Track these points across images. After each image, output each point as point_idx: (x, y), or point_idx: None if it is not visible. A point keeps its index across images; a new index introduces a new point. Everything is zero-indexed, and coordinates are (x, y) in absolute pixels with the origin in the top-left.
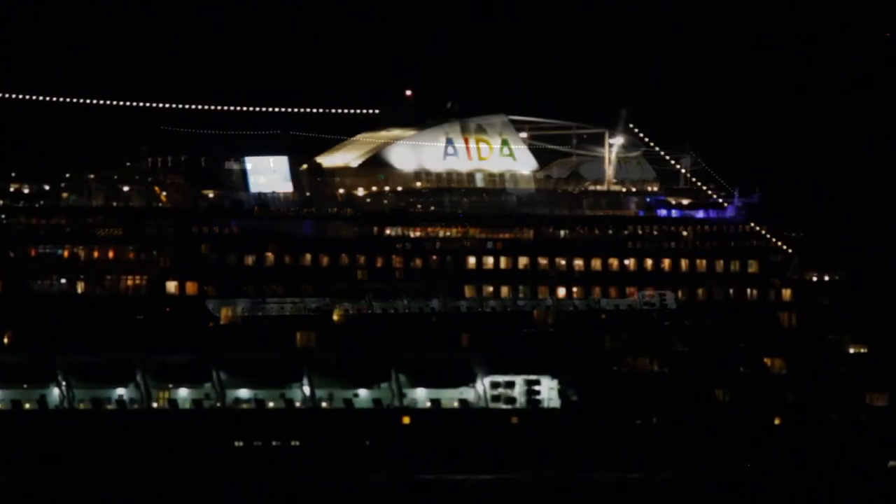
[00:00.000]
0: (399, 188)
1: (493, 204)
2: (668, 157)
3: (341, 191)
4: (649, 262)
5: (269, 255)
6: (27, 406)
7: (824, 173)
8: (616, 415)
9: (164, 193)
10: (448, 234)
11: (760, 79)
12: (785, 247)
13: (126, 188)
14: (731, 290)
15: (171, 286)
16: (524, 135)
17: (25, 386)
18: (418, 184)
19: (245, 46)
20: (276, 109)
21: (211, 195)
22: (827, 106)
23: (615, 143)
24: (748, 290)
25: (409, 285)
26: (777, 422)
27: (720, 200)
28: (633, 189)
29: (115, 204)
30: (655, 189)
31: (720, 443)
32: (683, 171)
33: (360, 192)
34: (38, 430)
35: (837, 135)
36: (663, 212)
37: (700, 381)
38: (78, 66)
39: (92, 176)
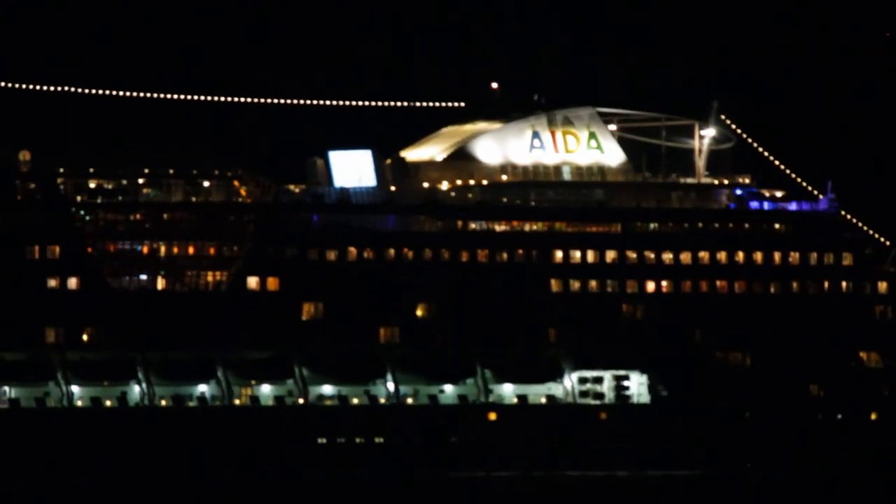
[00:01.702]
0: (484, 182)
1: (581, 197)
2: (760, 149)
3: (425, 185)
4: (741, 255)
5: (351, 249)
6: (108, 403)
7: None
8: (707, 410)
9: (244, 188)
10: (534, 227)
11: (852, 68)
12: (881, 239)
13: (206, 183)
14: (826, 284)
15: (252, 282)
16: (612, 127)
17: (106, 383)
18: (504, 177)
19: (331, 39)
20: (362, 103)
21: (295, 190)
22: None
23: (706, 135)
24: (843, 284)
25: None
26: (873, 417)
27: (814, 192)
28: (725, 181)
29: (194, 199)
30: (747, 181)
31: (814, 439)
32: (777, 163)
33: (445, 185)
34: (118, 427)
35: None
36: (755, 204)
37: (794, 375)
38: (156, 60)
39: (171, 171)
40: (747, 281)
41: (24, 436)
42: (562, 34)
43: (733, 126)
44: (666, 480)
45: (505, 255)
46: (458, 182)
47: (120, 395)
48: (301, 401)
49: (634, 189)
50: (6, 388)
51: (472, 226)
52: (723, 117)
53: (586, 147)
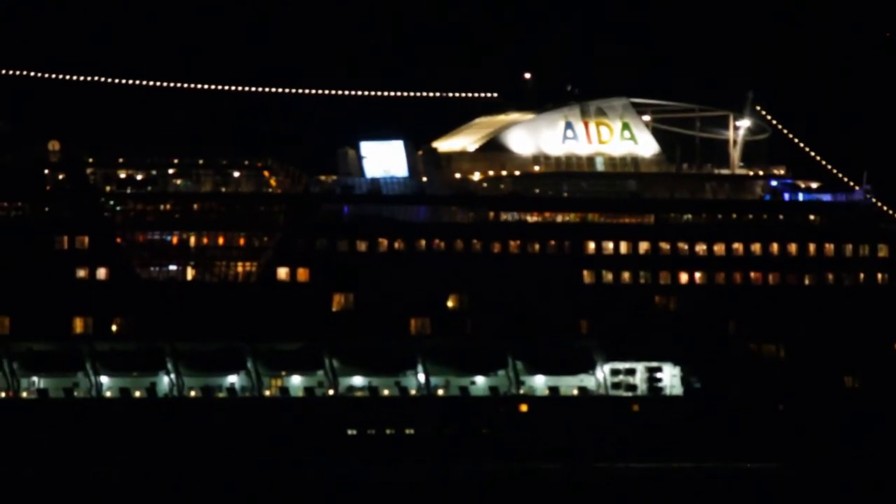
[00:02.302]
0: (517, 172)
1: (614, 188)
2: (795, 140)
3: (457, 175)
4: (775, 246)
5: (382, 240)
6: (136, 394)
7: None
8: (740, 402)
9: (274, 178)
10: (566, 218)
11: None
12: None
13: (235, 173)
14: (861, 275)
15: (283, 272)
16: (646, 118)
17: (135, 374)
18: (536, 168)
19: (366, 29)
20: (394, 94)
21: (328, 180)
22: None
23: (741, 126)
24: (878, 275)
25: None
26: None
27: (850, 183)
28: (759, 173)
29: (224, 189)
30: (782, 172)
31: (848, 430)
32: (813, 154)
33: (477, 176)
34: (147, 418)
35: None
36: (790, 195)
37: (828, 367)
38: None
39: (201, 161)
40: (781, 272)
41: (52, 426)
42: (596, 24)
43: (768, 117)
44: (699, 472)
45: (537, 247)
46: (490, 173)
47: (149, 386)
48: (331, 392)
49: (668, 180)
50: (35, 379)
51: (504, 217)
52: (758, 108)
53: (619, 138)
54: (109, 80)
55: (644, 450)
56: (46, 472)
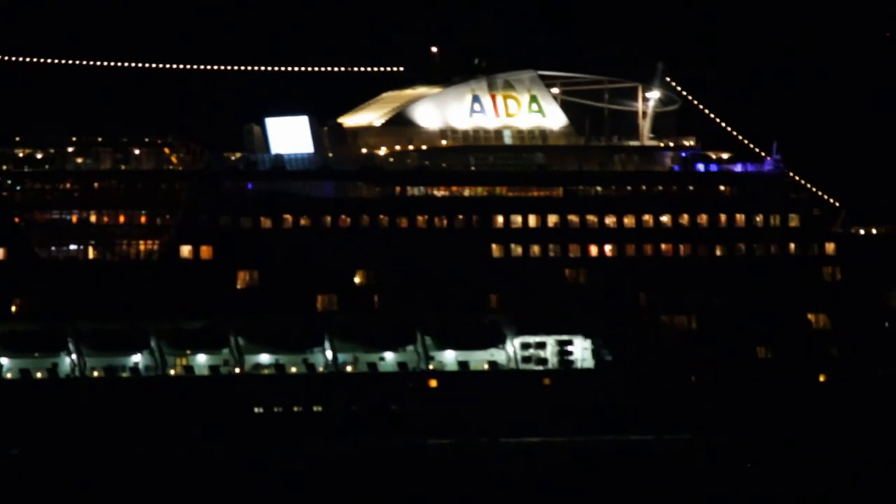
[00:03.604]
0: (423, 147)
1: (522, 161)
2: (706, 111)
3: (364, 151)
4: (686, 217)
5: (287, 217)
6: (38, 375)
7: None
8: (652, 374)
9: (175, 155)
10: (474, 192)
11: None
12: (830, 200)
13: (136, 150)
14: (773, 246)
15: (186, 250)
16: (555, 90)
17: (36, 355)
18: (443, 142)
19: (273, 3)
20: (300, 69)
21: (234, 157)
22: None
23: (651, 98)
24: (790, 245)
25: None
26: (822, 379)
27: (760, 153)
28: (669, 144)
29: (124, 167)
30: (692, 144)
31: (762, 402)
32: (723, 124)
33: (383, 151)
34: (49, 399)
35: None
36: (700, 166)
37: (741, 338)
38: (87, 24)
39: (100, 139)
40: (692, 244)
41: None
42: None
43: (678, 88)
44: (610, 446)
45: (445, 221)
46: (397, 147)
47: (50, 367)
48: (237, 370)
49: (576, 152)
50: None
51: (411, 191)
52: (667, 79)
53: (527, 111)
54: (4, 56)
55: (556, 424)
56: None
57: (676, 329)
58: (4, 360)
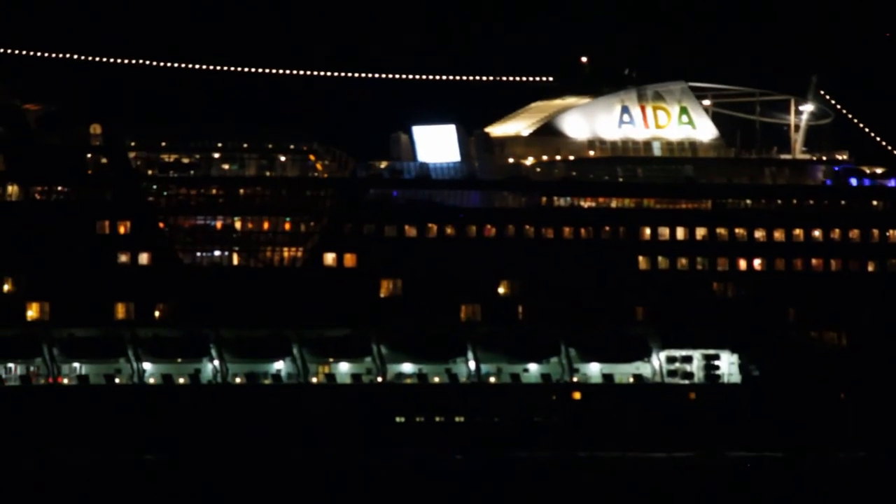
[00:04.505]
0: (571, 157)
1: (670, 173)
2: (860, 125)
3: (510, 160)
4: (837, 232)
5: (431, 226)
6: (180, 381)
7: None
8: (801, 390)
9: (320, 163)
10: (622, 204)
11: None
12: None
13: (281, 157)
14: None
15: (329, 258)
16: (706, 102)
17: (178, 360)
18: (591, 153)
19: (421, 12)
20: (449, 78)
21: (380, 166)
22: None
23: (804, 111)
24: None
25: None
26: None
27: None
28: (822, 158)
29: (269, 174)
30: (845, 157)
31: None
32: (877, 138)
33: (530, 161)
34: (192, 404)
35: None
36: (853, 181)
37: (891, 355)
38: (236, 33)
39: (246, 145)
40: (843, 259)
41: (93, 412)
42: (654, 7)
43: (832, 101)
44: (757, 461)
45: (591, 232)
46: (544, 157)
47: (192, 373)
48: (379, 379)
49: (726, 165)
50: (76, 365)
51: (558, 202)
52: (821, 92)
53: (677, 122)
54: (152, 62)
55: (701, 438)
56: (88, 459)
57: (826, 345)
58: (147, 366)
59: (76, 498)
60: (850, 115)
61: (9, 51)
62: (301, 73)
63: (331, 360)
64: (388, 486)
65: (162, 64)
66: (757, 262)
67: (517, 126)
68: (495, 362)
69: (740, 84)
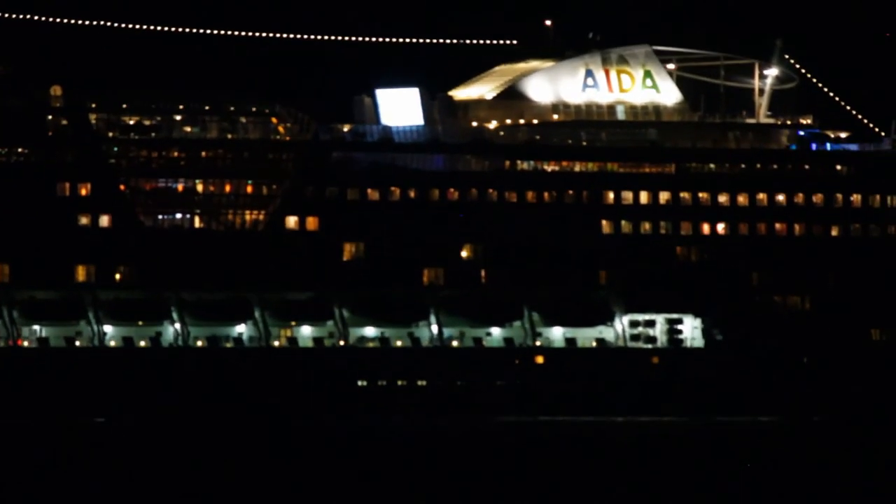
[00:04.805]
0: (535, 121)
1: (634, 137)
2: (825, 89)
3: (474, 124)
4: (800, 196)
5: (394, 189)
6: (141, 344)
7: None
8: (764, 355)
9: (282, 125)
10: (585, 168)
11: None
12: None
13: (243, 120)
14: (890, 227)
15: (291, 221)
16: (671, 66)
17: (139, 323)
18: (555, 116)
19: None
20: (413, 41)
21: (344, 129)
22: None
23: (769, 75)
24: None
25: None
26: None
27: (878, 132)
28: (786, 122)
29: (230, 136)
30: (809, 122)
31: (875, 385)
32: (842, 103)
33: (494, 124)
34: (151, 368)
35: None
36: (817, 145)
37: (854, 320)
38: None
39: (207, 107)
40: (807, 223)
41: (53, 376)
42: None
43: (797, 65)
44: (719, 426)
45: (555, 196)
46: (508, 121)
47: (153, 336)
48: (342, 343)
49: (690, 129)
50: (36, 327)
51: (521, 166)
52: (786, 56)
53: (641, 86)
54: (113, 23)
55: (664, 403)
56: (47, 423)
57: (789, 309)
58: (108, 328)
59: (35, 462)
60: (814, 80)
61: None
62: (263, 35)
63: (293, 323)
64: (349, 452)
65: (122, 25)
66: (720, 227)
67: (481, 90)
68: (458, 326)
69: (704, 48)
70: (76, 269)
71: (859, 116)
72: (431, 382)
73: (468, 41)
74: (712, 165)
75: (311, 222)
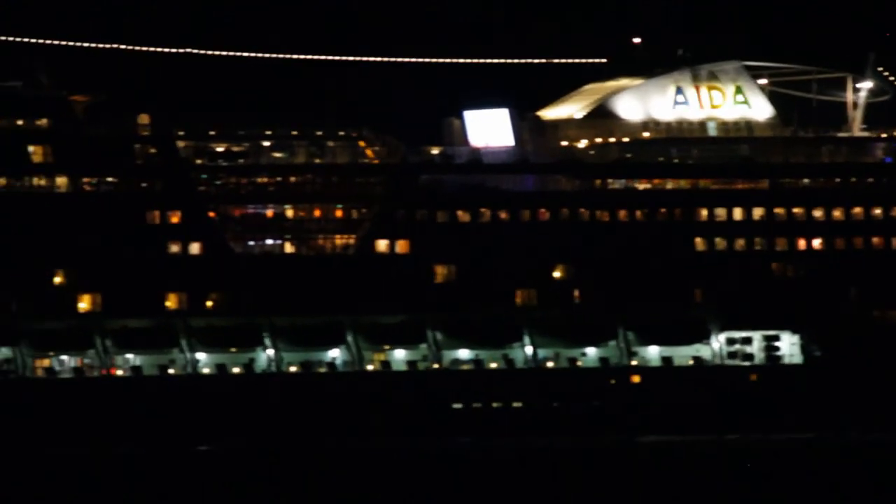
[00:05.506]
0: (625, 139)
1: (726, 153)
2: None
3: (564, 143)
4: None
5: (484, 210)
6: (234, 370)
7: None
8: (863, 371)
9: (370, 149)
10: (677, 185)
11: None
12: None
13: (331, 144)
14: None
15: (382, 244)
16: (762, 81)
17: (232, 350)
18: (646, 134)
19: None
20: (501, 61)
21: (433, 151)
22: None
23: (862, 88)
24: None
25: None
26: None
27: None
28: (880, 135)
29: (318, 161)
30: None
31: None
32: None
33: (584, 143)
34: (246, 394)
35: None
36: None
37: None
38: (284, 21)
39: (295, 132)
40: None
41: (147, 403)
42: None
43: (891, 78)
44: (819, 444)
45: (647, 214)
46: (598, 140)
47: (247, 362)
48: (435, 366)
49: (783, 144)
50: (129, 356)
51: (612, 185)
52: (879, 69)
53: (732, 102)
54: (200, 50)
55: (763, 420)
56: (142, 450)
57: (889, 324)
58: (201, 356)
59: (131, 489)
60: None
61: (55, 41)
62: (351, 59)
63: (386, 347)
64: (445, 473)
65: (209, 52)
66: (816, 242)
67: (570, 109)
68: (552, 347)
69: (796, 62)
70: (167, 297)
71: None
72: (527, 404)
73: (557, 60)
74: (806, 180)
75: (402, 245)
